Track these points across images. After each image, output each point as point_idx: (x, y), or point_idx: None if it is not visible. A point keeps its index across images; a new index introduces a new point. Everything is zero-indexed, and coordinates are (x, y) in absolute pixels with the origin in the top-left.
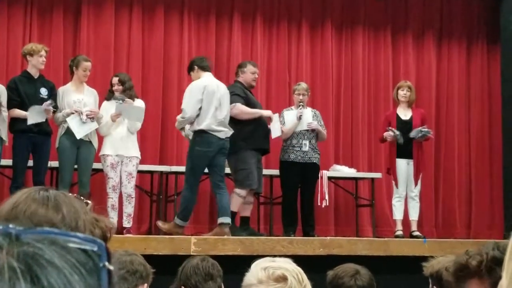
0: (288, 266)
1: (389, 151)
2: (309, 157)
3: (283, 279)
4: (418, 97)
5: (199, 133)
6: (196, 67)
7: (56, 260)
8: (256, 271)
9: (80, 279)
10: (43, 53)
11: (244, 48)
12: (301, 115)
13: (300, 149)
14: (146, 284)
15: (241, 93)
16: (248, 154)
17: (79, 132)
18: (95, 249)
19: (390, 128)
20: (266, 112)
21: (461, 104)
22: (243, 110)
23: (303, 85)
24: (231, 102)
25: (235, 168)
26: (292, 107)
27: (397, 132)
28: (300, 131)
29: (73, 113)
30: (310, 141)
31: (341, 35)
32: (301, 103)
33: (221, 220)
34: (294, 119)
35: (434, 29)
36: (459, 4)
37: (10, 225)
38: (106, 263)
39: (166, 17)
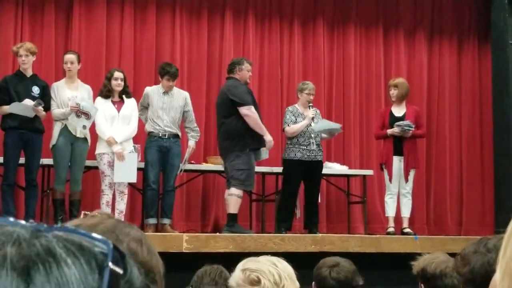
0: (266, 268)
1: (386, 148)
2: (315, 155)
3: (256, 282)
4: (410, 94)
5: None
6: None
7: (60, 255)
8: (237, 274)
9: (80, 275)
10: (22, 52)
11: (236, 45)
12: (313, 117)
13: (307, 147)
14: None
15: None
16: (250, 155)
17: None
18: (104, 249)
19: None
20: (269, 138)
21: (452, 101)
22: (256, 120)
23: (312, 84)
24: (246, 103)
25: (237, 168)
26: (296, 105)
27: (398, 130)
28: (307, 129)
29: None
30: (315, 140)
31: (332, 32)
32: (310, 104)
33: None
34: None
35: (426, 26)
36: (450, 2)
37: (44, 224)
38: (110, 264)
39: (158, 14)
